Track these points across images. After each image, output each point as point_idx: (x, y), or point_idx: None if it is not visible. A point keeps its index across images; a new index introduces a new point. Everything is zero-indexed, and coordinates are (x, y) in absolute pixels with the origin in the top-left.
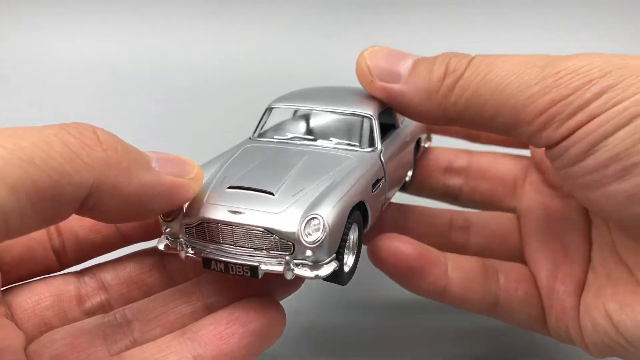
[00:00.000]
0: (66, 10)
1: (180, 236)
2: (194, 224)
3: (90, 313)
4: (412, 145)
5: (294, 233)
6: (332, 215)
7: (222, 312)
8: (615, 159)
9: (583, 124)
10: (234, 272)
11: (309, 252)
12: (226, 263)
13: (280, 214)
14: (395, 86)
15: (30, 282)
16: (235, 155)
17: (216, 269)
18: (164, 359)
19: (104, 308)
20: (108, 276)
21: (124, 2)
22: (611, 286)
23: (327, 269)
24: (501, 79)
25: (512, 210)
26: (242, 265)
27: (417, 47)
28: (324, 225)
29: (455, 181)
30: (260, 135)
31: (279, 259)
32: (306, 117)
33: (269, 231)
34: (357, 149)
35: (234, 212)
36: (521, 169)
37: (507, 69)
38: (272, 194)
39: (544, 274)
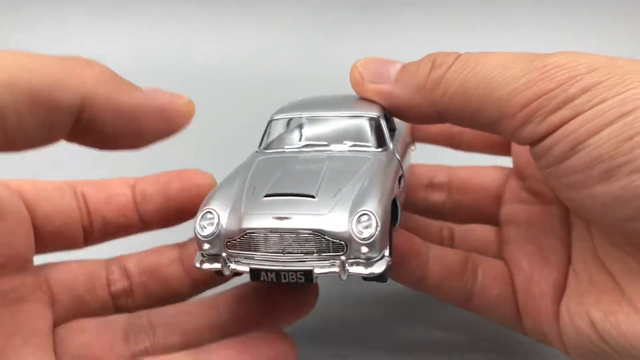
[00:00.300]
0: (66, 10)
1: (222, 252)
2: (238, 237)
3: (115, 296)
4: (410, 146)
5: (345, 232)
6: (380, 211)
7: (235, 340)
8: (600, 159)
9: (567, 121)
10: (287, 280)
11: (364, 249)
12: (277, 272)
13: (327, 214)
14: (385, 87)
15: (66, 261)
16: (253, 168)
17: (266, 279)
18: None
19: (126, 293)
20: (131, 265)
21: (124, 2)
22: (594, 293)
23: (381, 265)
24: (487, 72)
25: (495, 221)
26: (296, 271)
27: (416, 48)
28: (376, 221)
29: (438, 197)
30: (267, 148)
31: (332, 261)
32: (308, 125)
33: (319, 233)
34: (372, 149)
35: (280, 218)
36: (503, 178)
37: (494, 63)
38: (312, 196)
39: (520, 275)
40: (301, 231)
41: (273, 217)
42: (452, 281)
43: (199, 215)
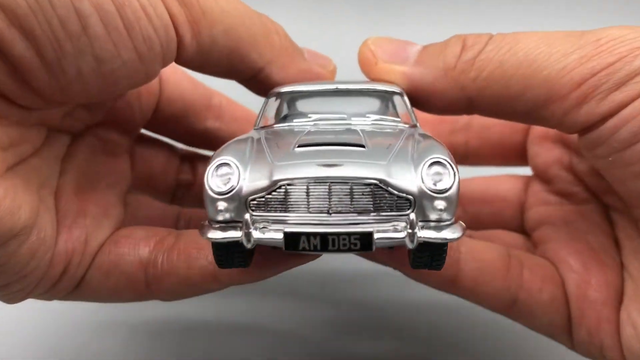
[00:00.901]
0: None
1: (241, 216)
2: (267, 192)
3: (178, 185)
4: None
5: (415, 183)
6: (454, 160)
7: None
8: None
9: (635, 97)
10: (337, 247)
11: (439, 204)
12: (324, 236)
13: (388, 163)
14: (402, 68)
15: (151, 138)
16: (262, 136)
17: (308, 247)
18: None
19: (187, 186)
20: (201, 166)
21: None
22: None
23: (456, 230)
24: (530, 50)
25: (520, 229)
26: (349, 234)
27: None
28: (452, 170)
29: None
30: (267, 127)
31: (394, 223)
32: (318, 100)
33: (381, 184)
34: (401, 125)
35: (329, 166)
36: (521, 185)
37: (536, 40)
38: (362, 146)
39: (573, 278)
40: (358, 181)
41: (318, 165)
42: (492, 281)
43: (211, 167)
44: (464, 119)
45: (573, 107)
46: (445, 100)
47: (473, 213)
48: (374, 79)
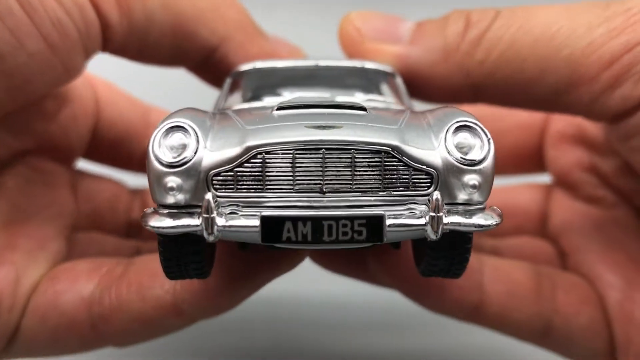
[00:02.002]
0: None
1: (201, 197)
2: (236, 165)
3: (132, 223)
4: None
5: (437, 151)
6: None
7: None
8: None
9: None
10: (334, 237)
11: (472, 180)
12: (317, 220)
13: (400, 128)
14: (395, 48)
15: (97, 174)
16: (230, 113)
17: (294, 237)
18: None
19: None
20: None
21: None
22: None
23: (491, 216)
24: (548, 25)
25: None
26: (353, 218)
27: None
28: (485, 135)
29: None
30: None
31: (409, 206)
32: (292, 79)
33: (395, 152)
34: (396, 106)
35: (323, 127)
36: (543, 194)
37: (555, 14)
38: (363, 109)
39: (614, 296)
40: (363, 147)
41: (308, 127)
42: (522, 306)
43: (158, 132)
44: None
45: (603, 91)
46: (447, 86)
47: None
48: (358, 59)
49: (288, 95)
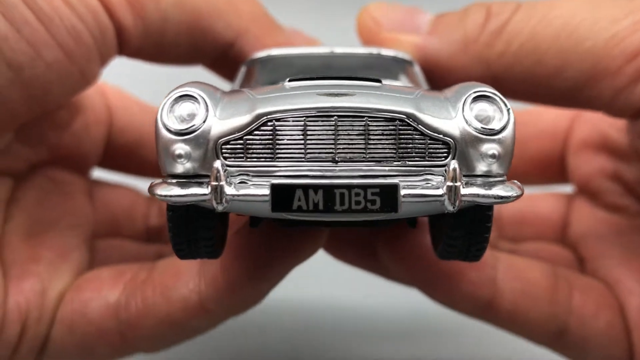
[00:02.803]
0: None
1: (209, 165)
2: (250, 129)
3: (150, 229)
4: None
5: (454, 122)
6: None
7: None
8: None
9: None
10: (347, 206)
11: (491, 149)
12: (329, 188)
13: (416, 98)
14: (413, 39)
15: (114, 183)
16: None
17: (305, 206)
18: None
19: (158, 230)
20: None
21: None
22: None
23: (511, 189)
24: (569, 17)
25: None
26: (366, 187)
27: None
28: (504, 105)
29: (493, 234)
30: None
31: (425, 176)
32: (308, 65)
33: (410, 120)
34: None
35: (336, 95)
36: (564, 203)
37: (576, 6)
38: (378, 81)
39: (634, 302)
40: (377, 114)
41: (319, 94)
42: (536, 306)
43: (167, 101)
44: None
45: (626, 85)
46: (465, 78)
47: (512, 235)
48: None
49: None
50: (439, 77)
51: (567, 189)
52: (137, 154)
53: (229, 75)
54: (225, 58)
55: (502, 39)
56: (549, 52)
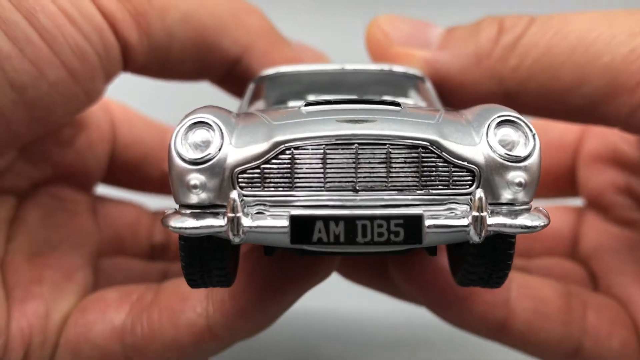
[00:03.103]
0: None
1: (225, 195)
2: (267, 158)
3: (154, 246)
4: None
5: (479, 147)
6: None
7: None
8: None
9: None
10: (370, 239)
11: (517, 178)
12: (351, 220)
13: (438, 123)
14: (424, 53)
15: (117, 200)
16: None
17: (326, 238)
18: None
19: (163, 247)
20: None
21: None
22: None
23: (538, 218)
24: (586, 30)
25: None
26: (389, 217)
27: None
28: (530, 130)
29: None
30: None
31: (449, 206)
32: (318, 83)
33: (434, 147)
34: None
35: (356, 122)
36: (574, 217)
37: (592, 20)
38: (397, 105)
39: None
40: (400, 142)
41: (339, 121)
42: (550, 326)
43: (181, 128)
44: None
45: None
46: (478, 93)
47: (523, 250)
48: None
49: (313, 99)
50: (451, 92)
51: (577, 202)
52: (142, 170)
53: (236, 91)
54: (231, 74)
55: (516, 53)
56: (564, 67)
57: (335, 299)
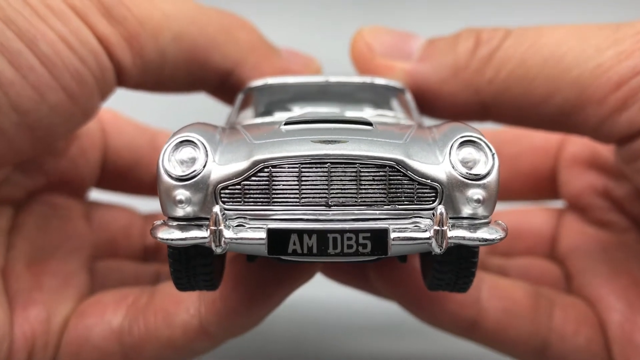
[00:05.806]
0: None
1: (208, 209)
2: (243, 178)
3: (147, 248)
4: None
5: (442, 166)
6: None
7: None
8: None
9: None
10: (340, 250)
11: (476, 194)
12: (322, 233)
13: (405, 143)
14: (405, 65)
15: (108, 203)
16: (239, 128)
17: (300, 249)
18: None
19: (155, 248)
20: None
21: None
22: None
23: (496, 230)
24: (557, 44)
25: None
26: (357, 231)
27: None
28: (489, 150)
29: (484, 249)
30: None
31: (414, 220)
32: (301, 94)
33: (400, 167)
34: (405, 121)
35: (329, 142)
36: (555, 217)
37: (565, 34)
38: (369, 124)
39: (615, 319)
40: (368, 162)
41: (314, 141)
42: (518, 324)
43: (168, 146)
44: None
45: (611, 113)
46: (455, 104)
47: (504, 249)
48: (368, 75)
49: (298, 111)
50: (430, 103)
51: (559, 204)
52: (133, 174)
53: (229, 100)
54: (224, 85)
55: (492, 65)
56: (537, 79)
57: (322, 286)
